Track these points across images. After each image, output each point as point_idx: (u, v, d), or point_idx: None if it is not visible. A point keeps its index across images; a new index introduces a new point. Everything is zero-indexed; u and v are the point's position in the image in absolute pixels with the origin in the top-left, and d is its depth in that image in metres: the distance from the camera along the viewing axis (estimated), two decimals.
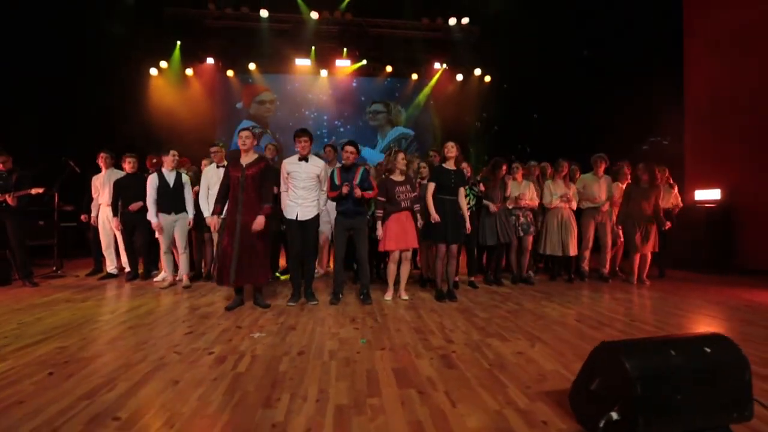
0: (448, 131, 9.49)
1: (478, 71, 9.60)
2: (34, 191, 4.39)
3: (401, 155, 3.86)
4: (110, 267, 4.96)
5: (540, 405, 1.82)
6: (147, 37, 7.93)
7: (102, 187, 4.89)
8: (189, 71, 8.97)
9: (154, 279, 4.66)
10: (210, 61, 9.01)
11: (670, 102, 6.29)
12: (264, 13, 8.41)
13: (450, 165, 3.89)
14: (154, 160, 4.99)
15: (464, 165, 4.42)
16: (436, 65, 9.63)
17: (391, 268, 3.95)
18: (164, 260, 4.43)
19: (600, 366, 1.56)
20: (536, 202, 4.83)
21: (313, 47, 8.94)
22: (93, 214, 4.94)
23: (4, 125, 5.74)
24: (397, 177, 3.89)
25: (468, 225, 3.94)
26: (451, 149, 3.86)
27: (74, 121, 6.72)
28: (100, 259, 5.11)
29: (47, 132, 6.34)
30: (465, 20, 8.98)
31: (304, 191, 3.70)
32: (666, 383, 1.44)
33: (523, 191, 4.77)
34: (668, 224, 4.59)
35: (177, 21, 8.35)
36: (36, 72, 6.31)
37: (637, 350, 1.49)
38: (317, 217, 3.81)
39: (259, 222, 3.38)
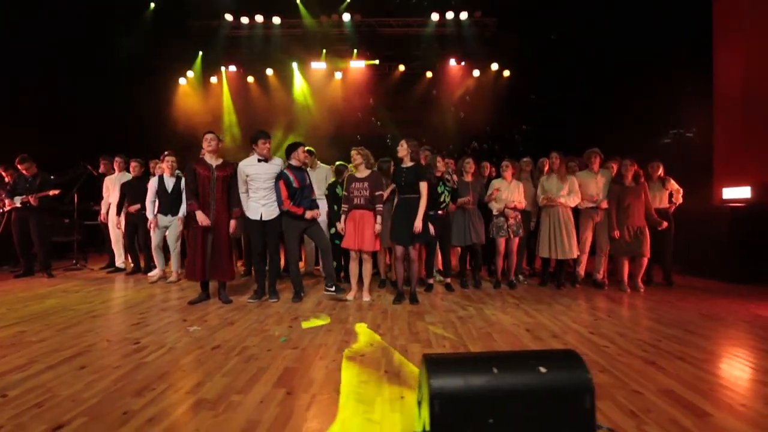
0: (462, 129, 9.22)
1: (495, 66, 9.21)
2: (51, 193, 4.99)
3: (353, 152, 3.84)
4: (119, 261, 5.47)
5: (396, 416, 1.74)
6: (172, 50, 8.60)
7: (112, 186, 5.41)
8: (213, 79, 9.62)
9: (149, 274, 5.07)
10: (232, 68, 9.57)
11: (697, 89, 5.53)
12: (276, 20, 8.76)
13: (405, 163, 3.77)
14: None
15: (439, 159, 4.26)
16: (452, 62, 9.38)
17: (352, 266, 3.94)
18: (154, 255, 4.81)
19: (422, 380, 1.46)
20: (523, 204, 4.54)
21: (324, 50, 9.14)
22: (103, 211, 5.47)
23: (43, 134, 6.56)
24: (360, 173, 3.86)
25: (418, 223, 3.56)
26: (399, 148, 3.73)
27: (112, 131, 7.48)
28: (113, 254, 5.65)
29: (82, 140, 7.11)
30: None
31: (266, 191, 3.82)
32: (476, 404, 1.32)
33: (512, 191, 4.52)
34: (665, 224, 4.08)
35: (199, 32, 8.98)
36: (73, 86, 7.14)
37: (449, 366, 1.37)
38: (280, 215, 3.92)
39: (233, 225, 3.73)
